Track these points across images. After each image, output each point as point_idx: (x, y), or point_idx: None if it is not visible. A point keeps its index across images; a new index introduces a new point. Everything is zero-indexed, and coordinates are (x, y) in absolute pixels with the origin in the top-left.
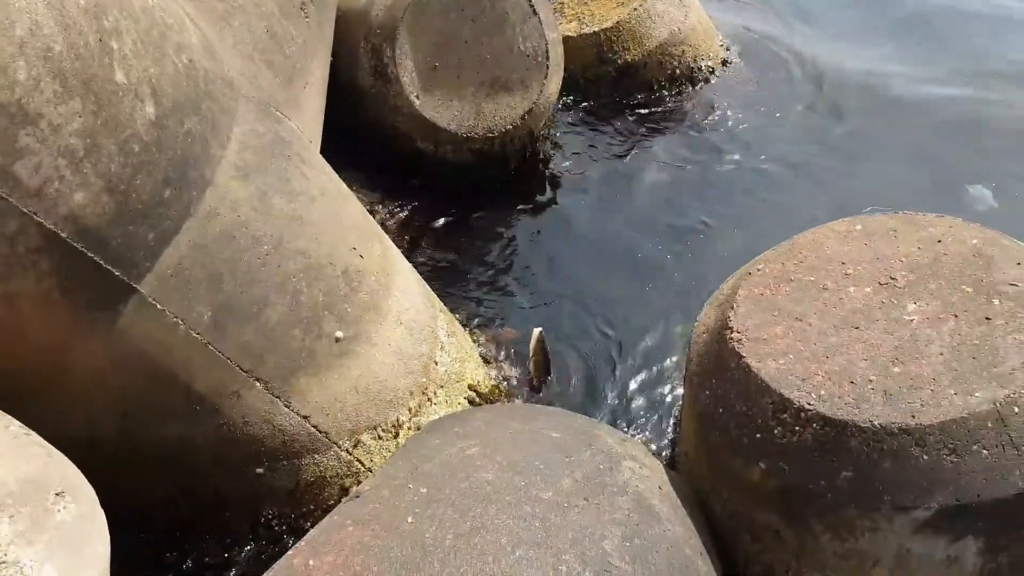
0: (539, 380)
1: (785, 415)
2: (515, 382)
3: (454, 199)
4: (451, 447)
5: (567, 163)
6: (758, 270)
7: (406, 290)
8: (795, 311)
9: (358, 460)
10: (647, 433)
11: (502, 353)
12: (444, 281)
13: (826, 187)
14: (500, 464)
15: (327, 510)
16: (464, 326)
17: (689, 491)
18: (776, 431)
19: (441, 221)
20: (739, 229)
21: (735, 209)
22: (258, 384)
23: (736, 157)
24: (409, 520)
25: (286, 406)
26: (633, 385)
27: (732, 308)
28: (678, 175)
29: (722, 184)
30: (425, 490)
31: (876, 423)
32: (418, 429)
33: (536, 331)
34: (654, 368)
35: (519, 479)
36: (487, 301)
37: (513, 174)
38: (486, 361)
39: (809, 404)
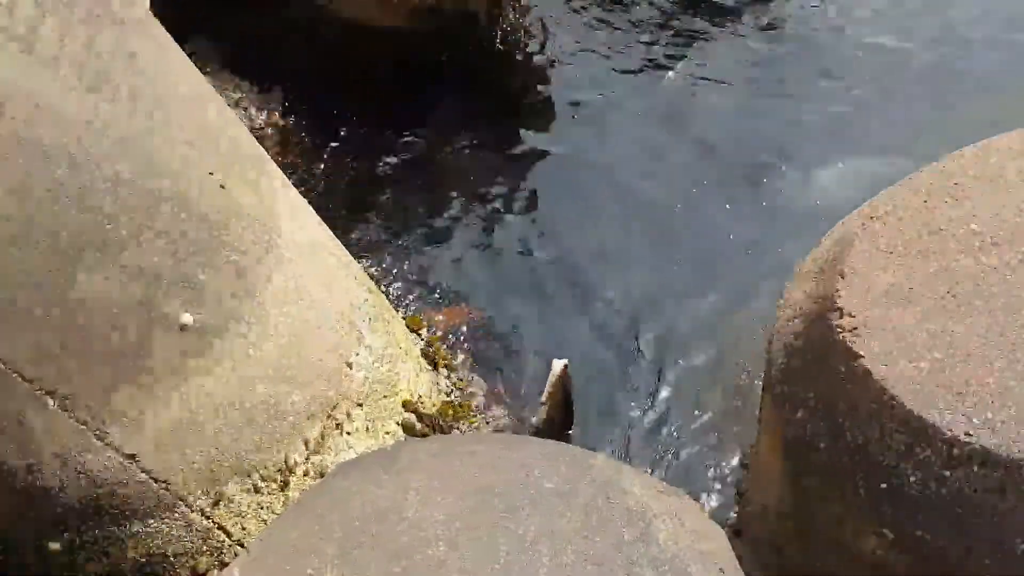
0: (557, 426)
1: (928, 451)
2: (482, 396)
3: (374, 101)
4: (376, 488)
5: (557, 45)
6: (884, 214)
7: (303, 247)
8: (945, 282)
9: (220, 527)
10: (689, 483)
11: (460, 348)
12: (365, 236)
13: (958, 110)
14: (459, 494)
15: None
16: (397, 307)
17: (760, 567)
18: (913, 477)
19: (357, 137)
20: (822, 167)
21: (813, 137)
22: (51, 402)
23: (814, 62)
24: None
25: (99, 439)
26: (662, 404)
27: (841, 277)
28: (731, 84)
29: (796, 99)
30: (335, 551)
31: None
32: (320, 475)
33: (558, 364)
34: (697, 376)
35: (487, 513)
36: (434, 267)
37: (470, 57)
38: (432, 363)
39: (968, 434)
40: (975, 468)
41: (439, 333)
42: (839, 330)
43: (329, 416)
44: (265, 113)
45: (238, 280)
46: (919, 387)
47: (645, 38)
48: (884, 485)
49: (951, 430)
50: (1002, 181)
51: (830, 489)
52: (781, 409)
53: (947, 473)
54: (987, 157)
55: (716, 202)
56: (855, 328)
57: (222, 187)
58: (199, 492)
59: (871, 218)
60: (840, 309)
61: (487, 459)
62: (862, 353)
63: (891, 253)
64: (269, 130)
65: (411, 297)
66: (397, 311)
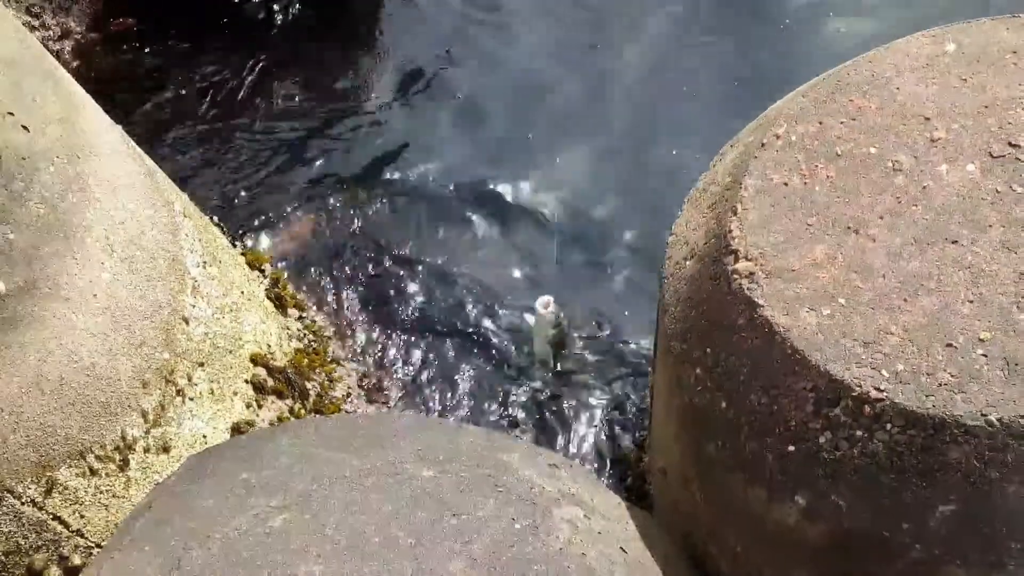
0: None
1: (837, 410)
2: (338, 338)
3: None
4: (237, 515)
5: None
6: (776, 136)
7: (119, 185)
8: (847, 214)
9: (56, 518)
10: (595, 451)
11: (309, 278)
12: (187, 160)
13: None
14: (332, 543)
15: None
16: (235, 240)
17: (672, 549)
18: (823, 439)
19: (167, 39)
20: (724, 77)
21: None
22: None
23: None
24: None
25: None
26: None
27: (734, 213)
28: None
29: None
30: None
31: (996, 418)
32: (164, 450)
33: (543, 302)
34: (599, 324)
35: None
36: (268, 187)
37: None
38: (280, 304)
39: (879, 389)
40: (889, 427)
41: (284, 265)
42: (735, 276)
43: (167, 380)
44: (63, 20)
45: (48, 235)
46: (823, 338)
47: None
48: (793, 448)
49: (861, 385)
50: (897, 98)
51: (733, 456)
52: (676, 367)
53: (860, 433)
54: (887, 67)
55: None
56: (752, 273)
57: (25, 128)
58: (27, 480)
59: (762, 143)
60: (735, 252)
61: (348, 479)
62: (761, 302)
63: (786, 184)
64: (68, 43)
65: (253, 224)
66: (235, 245)
